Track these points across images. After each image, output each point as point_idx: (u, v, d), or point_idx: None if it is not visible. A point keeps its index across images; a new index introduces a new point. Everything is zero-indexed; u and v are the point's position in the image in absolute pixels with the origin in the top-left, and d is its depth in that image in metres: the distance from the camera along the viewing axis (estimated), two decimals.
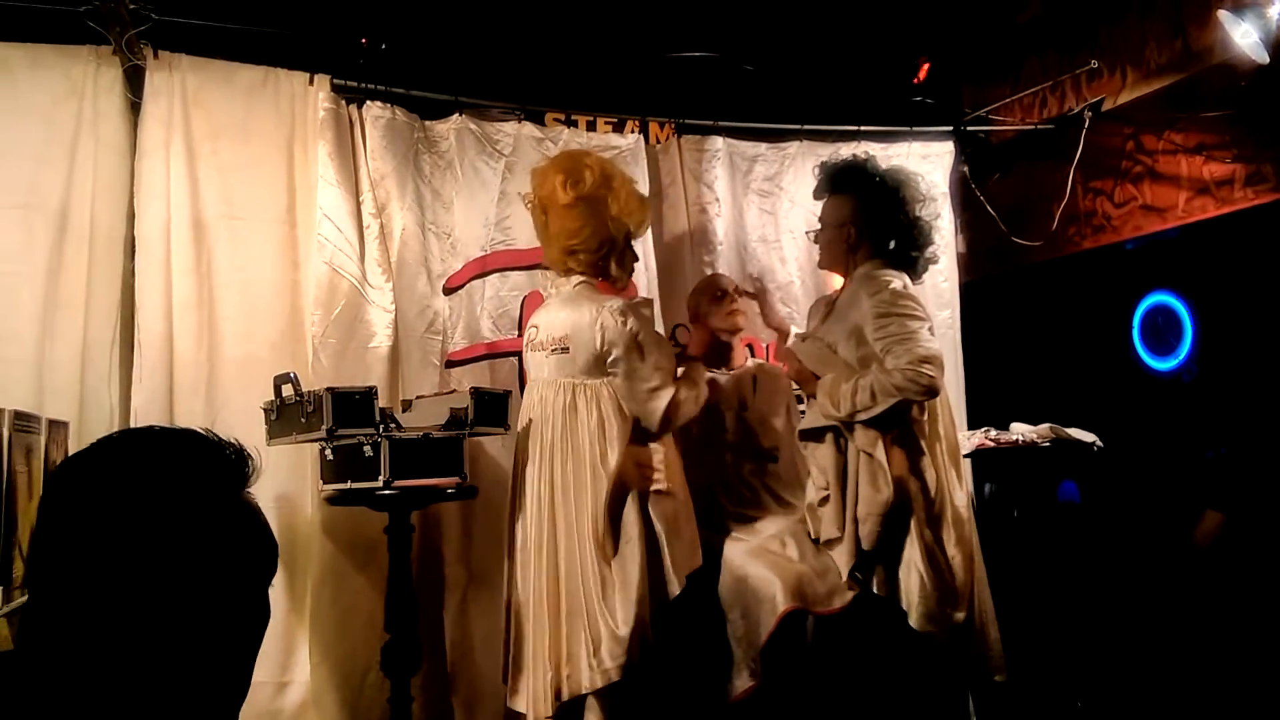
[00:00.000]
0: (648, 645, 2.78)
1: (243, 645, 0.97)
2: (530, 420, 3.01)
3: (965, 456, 3.56)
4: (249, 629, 0.98)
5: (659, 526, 2.87)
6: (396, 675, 3.03)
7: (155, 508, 0.92)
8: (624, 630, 2.74)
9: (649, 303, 3.37)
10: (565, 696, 2.78)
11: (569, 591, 2.82)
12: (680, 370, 3.09)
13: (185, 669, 0.92)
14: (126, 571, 0.90)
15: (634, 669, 2.76)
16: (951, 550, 2.98)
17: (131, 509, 0.91)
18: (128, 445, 0.96)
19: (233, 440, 0.99)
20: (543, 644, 2.81)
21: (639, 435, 2.95)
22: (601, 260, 3.05)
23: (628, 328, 2.91)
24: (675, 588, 2.86)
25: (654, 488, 2.90)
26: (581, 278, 3.05)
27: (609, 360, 2.91)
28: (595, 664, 2.75)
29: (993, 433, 3.83)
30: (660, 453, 2.95)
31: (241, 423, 3.12)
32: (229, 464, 0.97)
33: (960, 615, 2.96)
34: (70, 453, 2.53)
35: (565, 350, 2.94)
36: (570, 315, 2.96)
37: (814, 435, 3.11)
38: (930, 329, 3.05)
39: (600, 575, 2.80)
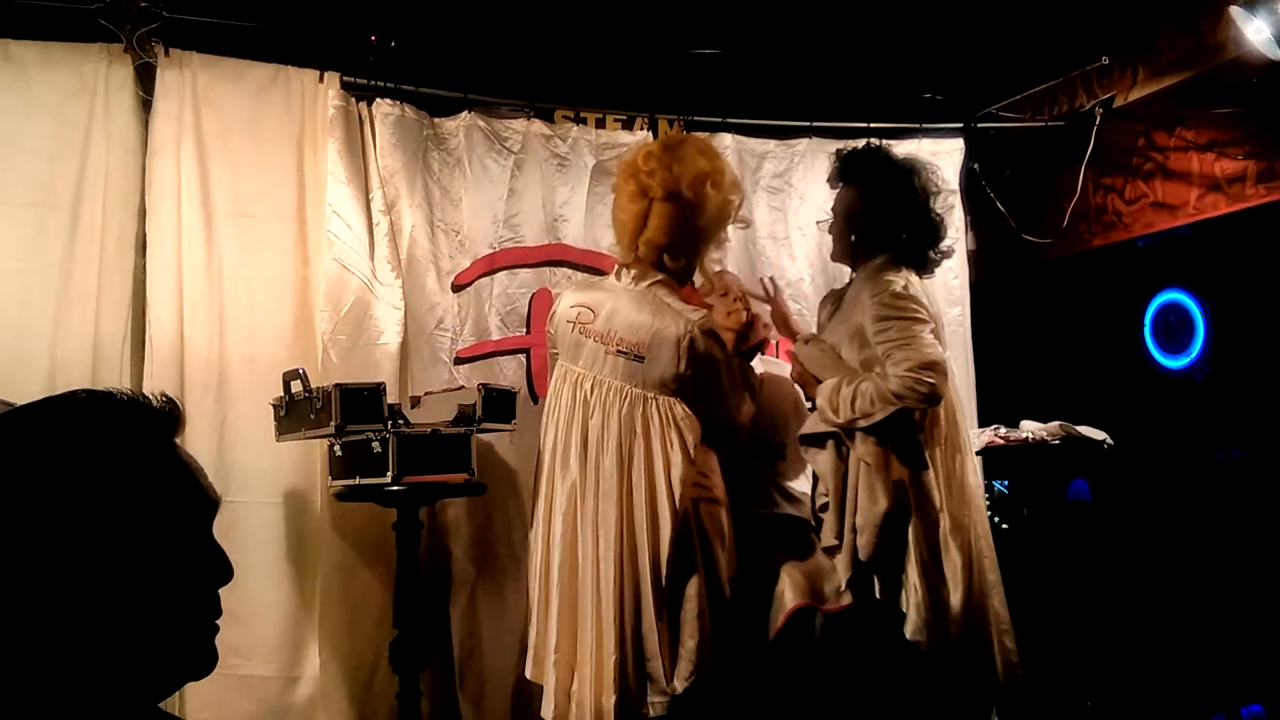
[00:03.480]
0: (712, 657, 2.67)
1: (197, 590, 0.99)
2: (571, 405, 2.77)
3: (975, 454, 3.50)
4: (199, 574, 0.99)
5: (710, 535, 2.73)
6: (405, 671, 3.05)
7: (85, 462, 0.93)
8: (690, 644, 2.63)
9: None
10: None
11: (627, 597, 2.64)
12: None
13: (139, 621, 0.93)
14: (65, 528, 0.91)
15: (701, 683, 2.64)
16: (954, 559, 2.87)
17: (58, 465, 0.93)
18: (50, 408, 0.97)
19: (159, 394, 1.01)
20: (594, 642, 2.65)
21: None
22: (690, 267, 2.85)
23: (717, 353, 2.73)
24: (726, 594, 2.74)
25: (705, 495, 2.75)
26: (658, 276, 2.77)
27: (692, 383, 2.71)
28: (664, 680, 2.63)
29: (1002, 430, 3.81)
30: (713, 458, 2.80)
31: (251, 419, 3.15)
32: (156, 415, 0.99)
33: (956, 628, 2.85)
34: None
35: (638, 359, 2.70)
36: (650, 322, 2.70)
37: (815, 440, 2.98)
38: (934, 331, 2.89)
39: (658, 587, 2.64)
